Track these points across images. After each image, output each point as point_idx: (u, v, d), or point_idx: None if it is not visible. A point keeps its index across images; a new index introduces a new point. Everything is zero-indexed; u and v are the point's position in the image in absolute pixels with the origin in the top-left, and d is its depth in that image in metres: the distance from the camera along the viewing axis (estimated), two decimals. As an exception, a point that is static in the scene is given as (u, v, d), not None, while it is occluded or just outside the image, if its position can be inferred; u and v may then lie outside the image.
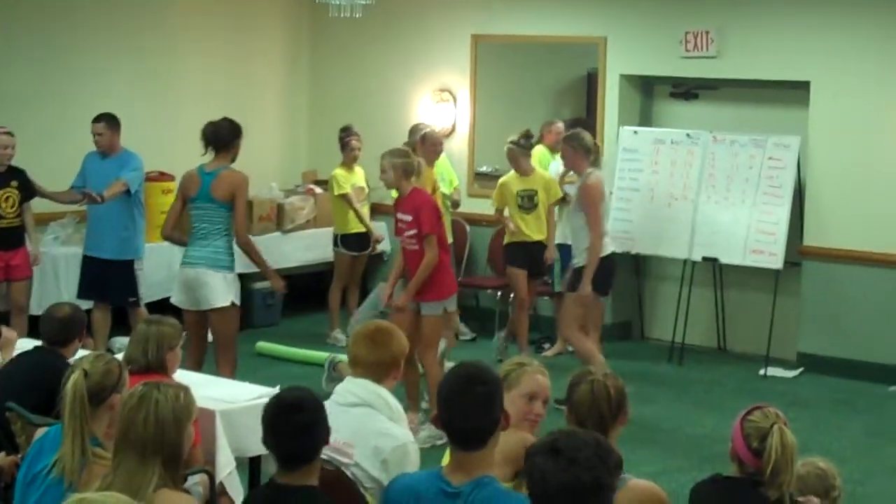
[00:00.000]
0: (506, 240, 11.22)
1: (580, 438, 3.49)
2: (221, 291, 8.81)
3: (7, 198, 10.11)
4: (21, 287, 10.26)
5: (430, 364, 9.08)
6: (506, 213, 11.11)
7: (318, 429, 4.38)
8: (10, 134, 10.18)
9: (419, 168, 9.30)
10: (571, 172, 10.91)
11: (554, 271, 11.68)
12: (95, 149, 10.45)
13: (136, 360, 6.00)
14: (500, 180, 11.18)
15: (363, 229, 11.80)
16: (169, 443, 4.29)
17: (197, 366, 8.56)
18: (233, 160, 8.97)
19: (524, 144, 10.98)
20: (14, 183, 10.13)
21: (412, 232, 9.01)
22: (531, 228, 11.00)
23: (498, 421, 4.12)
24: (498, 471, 4.63)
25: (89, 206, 10.39)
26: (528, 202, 10.97)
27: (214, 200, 8.79)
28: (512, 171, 11.08)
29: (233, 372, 8.76)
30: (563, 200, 11.09)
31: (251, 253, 9.05)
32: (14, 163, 10.18)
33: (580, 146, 9.82)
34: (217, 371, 8.53)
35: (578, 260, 9.85)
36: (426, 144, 11.07)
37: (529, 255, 11.04)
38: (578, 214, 9.83)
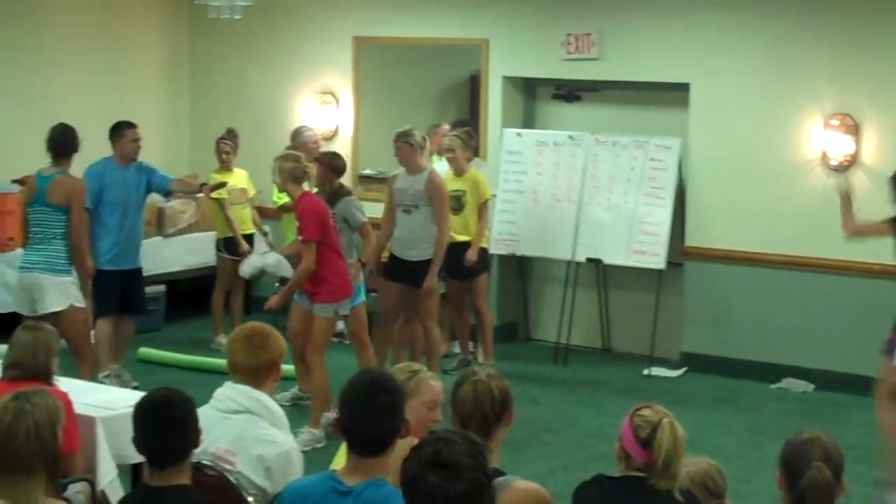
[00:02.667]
0: None
1: (456, 446, 3.43)
2: (58, 295, 8.89)
3: None
4: None
5: (315, 365, 9.03)
6: None
7: (188, 426, 4.37)
8: None
9: (310, 174, 9.25)
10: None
11: None
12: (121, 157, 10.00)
13: (25, 366, 5.89)
14: None
15: (246, 232, 11.69)
16: (50, 452, 4.25)
17: None
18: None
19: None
20: None
21: (301, 237, 8.97)
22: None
23: (398, 429, 4.13)
24: (394, 478, 4.60)
25: (122, 219, 9.95)
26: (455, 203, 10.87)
27: (49, 205, 8.84)
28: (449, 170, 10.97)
29: (92, 374, 8.74)
30: None
31: (81, 257, 9.06)
32: None
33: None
34: (77, 376, 8.37)
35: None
36: (298, 142, 11.16)
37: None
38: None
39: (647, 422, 4.47)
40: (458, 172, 10.85)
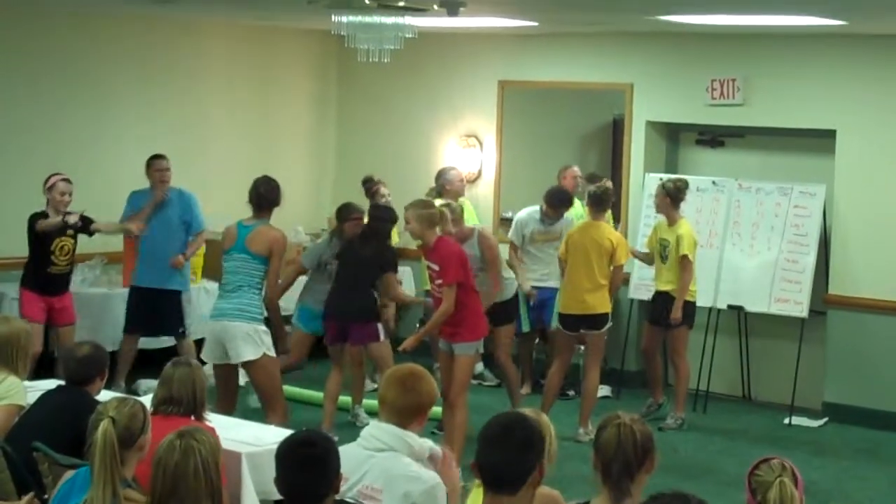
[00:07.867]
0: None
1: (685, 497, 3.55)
2: (251, 344, 8.81)
3: (62, 246, 10.17)
4: (69, 332, 10.28)
5: (460, 405, 9.13)
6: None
7: (327, 466, 4.41)
8: (67, 181, 10.20)
9: (444, 217, 9.35)
10: None
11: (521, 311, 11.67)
12: (150, 187, 10.88)
13: (183, 402, 6.01)
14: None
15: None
16: (215, 488, 4.37)
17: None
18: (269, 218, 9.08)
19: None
20: (70, 231, 10.19)
21: (440, 281, 9.09)
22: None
23: (533, 467, 4.14)
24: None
25: (145, 237, 10.74)
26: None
27: (249, 253, 8.80)
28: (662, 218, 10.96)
29: (284, 420, 8.69)
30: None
31: (274, 312, 9.09)
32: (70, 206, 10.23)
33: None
34: (266, 422, 8.38)
35: None
36: (443, 181, 11.29)
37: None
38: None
39: (762, 483, 4.43)
40: (669, 223, 10.80)
